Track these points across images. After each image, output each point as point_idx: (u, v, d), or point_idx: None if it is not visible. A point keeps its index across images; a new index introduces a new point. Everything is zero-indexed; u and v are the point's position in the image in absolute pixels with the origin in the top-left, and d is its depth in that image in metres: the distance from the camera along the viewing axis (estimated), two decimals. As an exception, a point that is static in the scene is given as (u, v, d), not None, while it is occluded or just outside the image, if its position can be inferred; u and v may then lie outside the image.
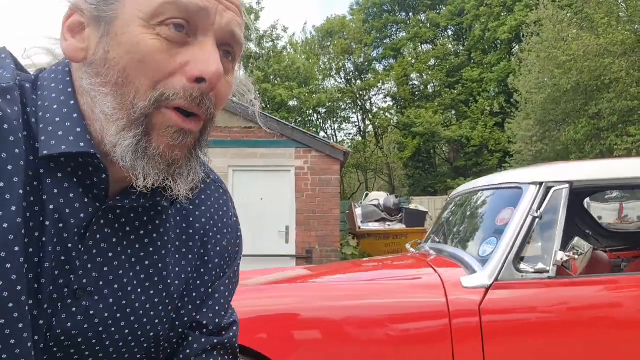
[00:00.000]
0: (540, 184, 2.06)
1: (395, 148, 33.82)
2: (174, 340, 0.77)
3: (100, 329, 0.66)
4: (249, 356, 1.87)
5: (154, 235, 0.71)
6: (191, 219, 0.77)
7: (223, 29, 0.63)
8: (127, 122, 0.60)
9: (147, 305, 0.71)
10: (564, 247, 1.96)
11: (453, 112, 31.65)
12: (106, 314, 0.66)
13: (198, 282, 0.77)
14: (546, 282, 1.93)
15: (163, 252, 0.73)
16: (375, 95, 35.45)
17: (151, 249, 0.71)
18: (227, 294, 0.83)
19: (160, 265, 0.72)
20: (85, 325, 0.64)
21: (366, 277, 2.38)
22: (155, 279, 0.71)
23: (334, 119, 36.62)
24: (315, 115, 33.14)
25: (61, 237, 0.61)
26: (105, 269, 0.65)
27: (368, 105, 35.91)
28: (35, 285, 0.59)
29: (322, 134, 36.16)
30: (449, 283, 1.99)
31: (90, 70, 0.61)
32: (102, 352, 0.67)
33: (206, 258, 0.79)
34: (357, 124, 37.31)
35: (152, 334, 0.72)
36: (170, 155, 0.62)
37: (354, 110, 35.78)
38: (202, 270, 0.78)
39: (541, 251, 2.00)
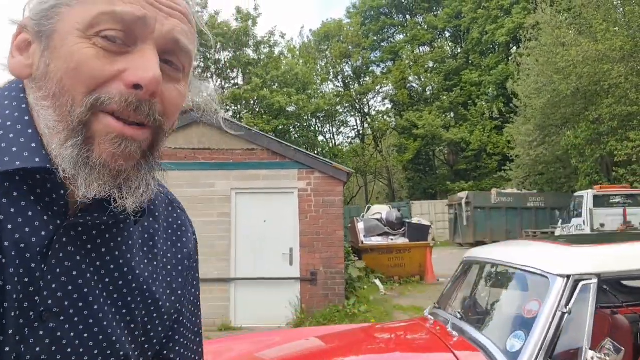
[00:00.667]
0: (568, 277, 2.00)
1: (394, 151, 33.80)
2: None
3: (69, 350, 0.63)
4: None
5: (117, 252, 0.69)
6: (155, 237, 0.77)
7: (165, 37, 0.62)
8: (67, 133, 0.59)
9: (114, 324, 0.68)
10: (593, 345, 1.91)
11: (452, 114, 31.62)
12: (72, 334, 0.64)
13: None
14: (577, 383, 1.88)
15: (129, 266, 0.71)
16: (373, 98, 35.38)
17: (116, 265, 0.69)
18: (195, 329, 0.84)
19: (128, 279, 0.70)
20: (54, 348, 0.62)
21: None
22: (124, 293, 0.70)
23: (333, 123, 36.57)
24: (314, 120, 33.07)
25: (23, 258, 0.59)
26: (70, 287, 0.63)
27: (366, 109, 35.84)
28: (0, 310, 0.57)
29: (320, 138, 36.09)
30: (477, 382, 1.93)
31: (34, 85, 0.61)
32: None
33: (168, 279, 0.78)
34: (355, 127, 37.26)
35: (121, 353, 0.69)
36: (114, 166, 0.60)
37: (353, 114, 35.74)
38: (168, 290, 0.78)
39: (569, 348, 1.95)
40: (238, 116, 30.92)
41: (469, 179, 29.68)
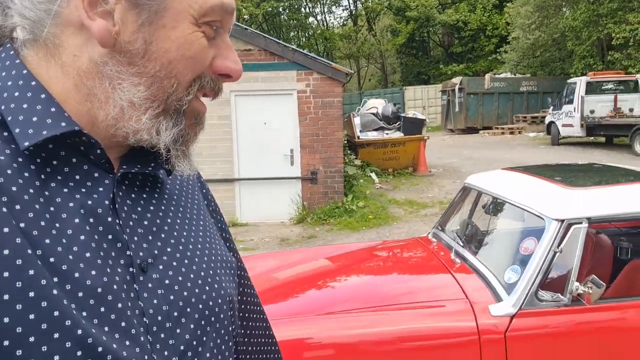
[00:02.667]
0: (562, 221, 2.29)
1: (388, 33, 32.80)
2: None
3: (185, 294, 0.64)
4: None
5: (173, 199, 0.71)
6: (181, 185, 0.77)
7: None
8: (162, 111, 0.60)
9: (211, 264, 0.71)
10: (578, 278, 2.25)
11: (449, -7, 30.21)
12: (180, 278, 0.65)
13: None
14: (562, 309, 2.25)
15: (187, 208, 0.74)
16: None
17: (176, 208, 0.71)
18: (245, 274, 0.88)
19: (195, 219, 0.74)
20: (172, 297, 0.62)
21: (393, 296, 2.66)
22: (200, 232, 0.73)
23: (324, 2, 34.96)
24: (304, 1, 31.56)
25: (96, 215, 0.58)
26: (150, 237, 0.64)
27: (359, -13, 34.02)
28: (108, 270, 0.57)
29: (311, 19, 34.70)
30: (478, 308, 2.30)
31: (121, 58, 0.58)
32: (199, 322, 0.65)
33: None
34: (347, 7, 35.71)
35: (223, 292, 0.71)
36: (194, 139, 0.66)
37: (345, -9, 33.95)
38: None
39: (559, 281, 2.29)
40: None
41: (463, 61, 29.25)
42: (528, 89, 22.13)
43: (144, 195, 0.66)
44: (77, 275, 0.53)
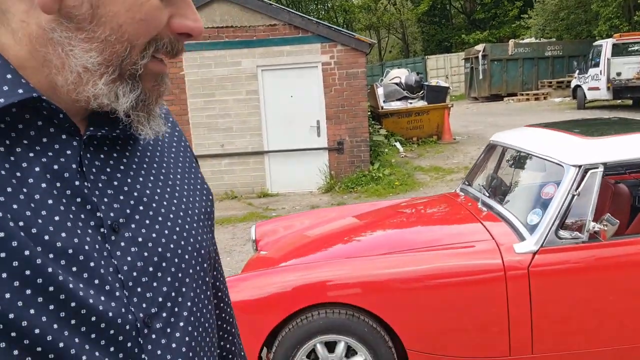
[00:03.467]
0: (579, 166, 2.51)
1: (408, 2, 32.35)
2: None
3: (160, 250, 0.65)
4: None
5: (139, 154, 0.70)
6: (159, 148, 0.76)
7: None
8: (118, 76, 0.59)
9: (187, 219, 0.71)
10: (595, 218, 2.48)
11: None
12: (154, 235, 0.65)
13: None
14: (581, 245, 2.49)
15: (162, 164, 0.73)
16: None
17: (148, 168, 0.71)
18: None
19: (171, 173, 0.74)
20: (145, 254, 0.64)
21: (422, 241, 2.93)
22: (169, 188, 0.72)
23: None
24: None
25: (63, 179, 0.58)
26: (122, 197, 0.64)
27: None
28: (78, 232, 0.58)
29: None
30: (504, 248, 2.56)
31: (68, 24, 0.56)
32: (176, 274, 0.67)
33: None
34: (366, -22, 35.14)
35: (202, 249, 0.72)
36: (157, 101, 0.64)
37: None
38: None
39: (578, 219, 2.53)
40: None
41: (486, 28, 28.77)
42: (553, 54, 21.77)
43: (114, 155, 0.66)
44: (47, 237, 0.54)
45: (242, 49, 8.51)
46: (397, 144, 11.37)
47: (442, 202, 3.57)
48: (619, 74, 15.60)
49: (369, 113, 9.92)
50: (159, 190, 0.70)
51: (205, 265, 0.73)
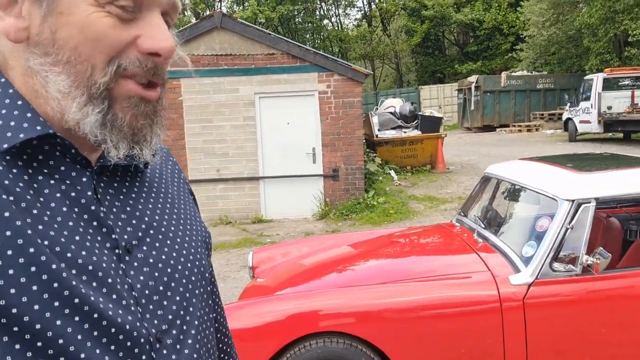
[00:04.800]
0: (573, 201, 2.58)
1: (402, 33, 33.01)
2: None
3: (169, 270, 0.70)
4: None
5: (150, 187, 0.76)
6: (159, 177, 0.81)
7: (167, 2, 0.65)
8: (87, 98, 0.61)
9: (193, 243, 0.77)
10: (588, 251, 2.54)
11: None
12: (164, 257, 0.70)
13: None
14: (574, 278, 2.54)
15: (166, 194, 0.78)
16: (380, -24, 33.70)
17: (156, 195, 0.76)
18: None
19: (172, 204, 0.78)
20: (156, 274, 0.68)
21: (418, 272, 2.97)
22: (175, 215, 0.77)
23: (338, 3, 35.28)
24: (320, 3, 31.93)
25: (80, 205, 0.63)
26: (134, 221, 0.69)
27: (374, -11, 34.29)
28: (96, 251, 0.62)
29: (325, 21, 35.05)
30: (500, 279, 2.60)
31: (37, 50, 0.60)
32: (184, 294, 0.72)
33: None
34: (362, 9, 35.96)
35: (205, 272, 0.78)
36: (136, 124, 0.64)
37: (359, -7, 34.25)
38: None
39: (570, 254, 2.58)
40: (243, 4, 29.87)
41: (479, 59, 29.35)
42: (545, 86, 22.20)
43: (126, 184, 0.72)
44: (69, 255, 0.59)
45: (241, 77, 8.64)
46: (392, 172, 11.47)
47: (438, 232, 3.62)
48: (609, 108, 15.92)
49: (364, 141, 10.06)
50: (166, 217, 0.75)
51: (208, 288, 0.79)
